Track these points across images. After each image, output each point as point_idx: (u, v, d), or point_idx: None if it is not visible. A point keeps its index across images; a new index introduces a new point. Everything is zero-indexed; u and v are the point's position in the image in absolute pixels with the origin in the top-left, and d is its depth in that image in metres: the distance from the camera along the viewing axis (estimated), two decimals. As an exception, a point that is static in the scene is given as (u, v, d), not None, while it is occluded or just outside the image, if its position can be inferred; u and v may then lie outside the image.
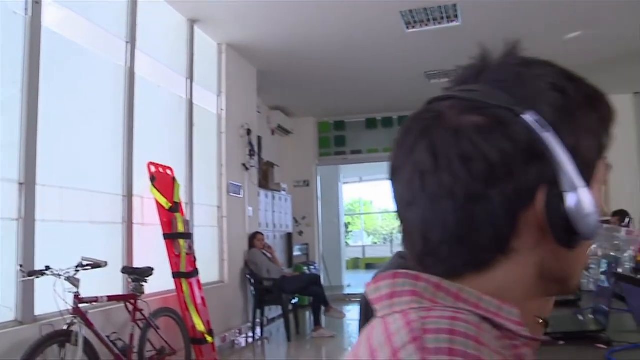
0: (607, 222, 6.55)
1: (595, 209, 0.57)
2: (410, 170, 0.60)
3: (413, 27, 6.18)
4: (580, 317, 2.27)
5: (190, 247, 4.98)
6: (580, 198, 0.56)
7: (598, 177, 0.62)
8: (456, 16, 5.95)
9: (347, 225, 12.37)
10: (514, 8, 5.84)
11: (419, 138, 0.60)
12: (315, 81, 8.06)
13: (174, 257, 4.76)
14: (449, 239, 0.59)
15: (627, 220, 6.88)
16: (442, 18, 5.99)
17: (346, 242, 11.99)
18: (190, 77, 5.83)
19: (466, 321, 0.50)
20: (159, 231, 4.73)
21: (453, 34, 6.35)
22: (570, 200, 0.56)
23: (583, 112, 0.60)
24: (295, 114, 9.88)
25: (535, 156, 0.57)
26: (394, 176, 0.64)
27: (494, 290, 0.58)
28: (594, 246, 3.74)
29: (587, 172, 0.59)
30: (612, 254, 3.54)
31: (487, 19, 5.97)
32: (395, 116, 9.80)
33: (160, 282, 4.70)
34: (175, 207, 4.91)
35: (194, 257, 5.02)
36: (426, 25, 6.14)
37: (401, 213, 0.63)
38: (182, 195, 5.25)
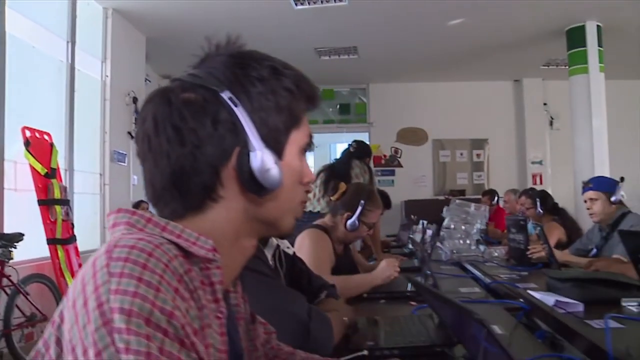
0: (478, 200, 7.08)
1: (274, 166, 0.78)
2: (142, 134, 0.79)
3: (302, 3, 6.32)
4: (420, 279, 2.56)
5: (68, 214, 4.91)
6: (262, 157, 0.77)
7: (296, 144, 0.84)
8: (343, -4, 6.14)
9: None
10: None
11: (148, 109, 0.79)
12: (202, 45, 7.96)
13: (49, 223, 4.68)
14: (167, 187, 0.78)
15: (496, 199, 7.42)
16: (329, -3, 6.17)
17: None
18: (72, 40, 5.66)
19: (149, 242, 0.67)
20: (35, 197, 4.64)
21: (340, 13, 6.55)
22: (253, 159, 0.77)
23: (271, 94, 0.80)
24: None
25: (230, 125, 0.77)
26: (135, 138, 0.82)
27: (210, 229, 0.77)
28: (447, 219, 4.09)
29: (275, 139, 0.80)
30: (462, 227, 3.90)
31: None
32: (288, 90, 9.93)
33: (37, 249, 4.63)
34: (52, 173, 4.81)
35: (72, 224, 4.96)
36: (314, 3, 6.30)
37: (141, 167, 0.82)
38: (60, 162, 5.15)
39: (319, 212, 3.91)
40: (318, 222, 2.74)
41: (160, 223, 0.74)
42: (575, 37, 7.21)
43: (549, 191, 5.84)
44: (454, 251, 3.88)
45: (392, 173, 9.91)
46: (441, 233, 3.94)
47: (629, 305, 1.96)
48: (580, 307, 1.91)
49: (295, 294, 1.56)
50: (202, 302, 0.70)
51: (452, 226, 3.93)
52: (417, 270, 3.06)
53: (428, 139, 9.94)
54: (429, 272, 2.50)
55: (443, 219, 4.02)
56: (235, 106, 0.77)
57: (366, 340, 1.57)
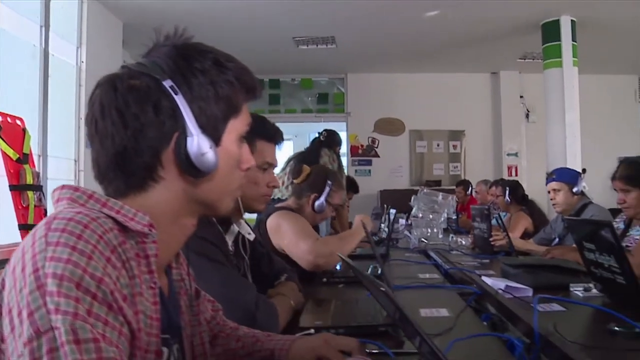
0: (452, 191, 7.17)
1: (210, 151, 0.84)
2: (90, 116, 0.85)
3: (280, -9, 6.33)
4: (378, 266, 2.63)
5: (40, 200, 4.90)
6: (198, 143, 0.83)
7: (235, 132, 0.90)
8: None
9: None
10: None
11: (97, 94, 0.85)
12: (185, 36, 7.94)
13: (21, 209, 4.67)
14: (111, 167, 0.84)
15: (470, 189, 7.52)
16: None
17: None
18: (46, 25, 5.62)
19: (87, 215, 0.73)
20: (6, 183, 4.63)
21: (318, 2, 6.57)
22: (190, 144, 0.83)
23: (211, 85, 0.86)
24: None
25: (170, 112, 0.83)
26: (85, 120, 0.87)
27: (150, 207, 0.84)
28: (415, 208, 4.16)
29: (213, 126, 0.86)
30: (430, 216, 3.97)
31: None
32: (266, 79, 9.94)
33: (9, 235, 4.62)
34: (25, 158, 4.79)
35: (44, 210, 4.95)
36: (293, -9, 6.31)
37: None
38: (34, 147, 5.13)
39: (287, 199, 3.95)
40: (281, 205, 2.77)
41: (101, 199, 0.80)
42: (550, 31, 7.30)
43: (524, 183, 5.94)
44: (422, 239, 3.96)
45: (369, 163, 9.96)
46: (409, 222, 4.01)
47: (575, 290, 2.04)
48: (529, 292, 1.98)
49: (246, 283, 1.60)
50: (134, 272, 0.77)
51: (420, 215, 4.01)
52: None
53: (405, 130, 10.00)
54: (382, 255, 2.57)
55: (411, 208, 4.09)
56: (176, 94, 0.83)
57: (315, 320, 1.63)
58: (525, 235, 4.41)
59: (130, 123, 0.82)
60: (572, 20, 7.19)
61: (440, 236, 3.95)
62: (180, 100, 0.83)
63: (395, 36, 7.90)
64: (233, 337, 1.19)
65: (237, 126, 0.91)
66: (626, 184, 2.74)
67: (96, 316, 0.68)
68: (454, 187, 8.00)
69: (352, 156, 9.99)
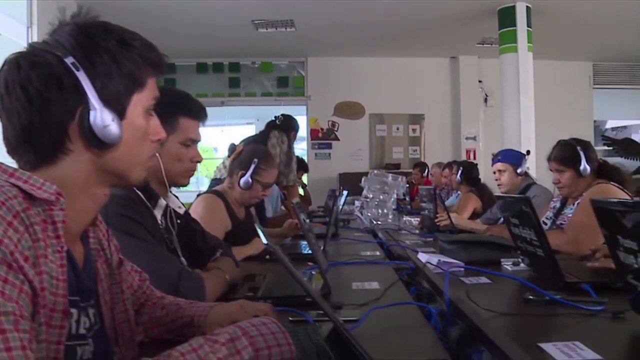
0: (406, 173, 7.27)
1: (112, 123, 0.90)
2: None
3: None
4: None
5: None
6: (100, 116, 0.88)
7: (140, 105, 0.96)
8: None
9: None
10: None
11: (2, 72, 0.89)
12: (143, 17, 7.77)
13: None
14: (20, 142, 0.89)
15: (426, 171, 7.63)
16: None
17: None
18: (-7, 3, 5.50)
19: None
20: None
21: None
22: (93, 117, 0.88)
23: (113, 61, 0.91)
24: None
25: (73, 88, 0.88)
26: None
27: (61, 177, 0.89)
28: (365, 189, 4.23)
29: (117, 100, 0.91)
30: (380, 197, 4.04)
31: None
32: (226, 62, 9.89)
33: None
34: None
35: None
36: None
37: None
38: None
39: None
40: (217, 187, 2.81)
41: (9, 170, 0.84)
42: (506, 17, 7.43)
43: (482, 166, 6.04)
44: (373, 220, 4.03)
45: (329, 146, 10.01)
46: (359, 202, 4.08)
47: (505, 265, 2.13)
48: (461, 267, 2.06)
49: (167, 256, 1.64)
50: (38, 235, 0.81)
51: (371, 196, 4.07)
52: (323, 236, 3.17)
53: (365, 113, 10.06)
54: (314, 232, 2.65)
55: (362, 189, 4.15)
56: (77, 71, 0.87)
57: (246, 292, 1.69)
58: (475, 216, 4.52)
59: (34, 99, 0.86)
60: (527, 6, 7.32)
61: (391, 217, 4.02)
62: (82, 76, 0.87)
63: (354, 20, 7.92)
64: (158, 305, 1.27)
65: (142, 100, 0.96)
66: (560, 164, 2.84)
67: None
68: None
69: (312, 139, 10.03)
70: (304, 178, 7.77)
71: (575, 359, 1.07)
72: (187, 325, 1.24)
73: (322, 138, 10.02)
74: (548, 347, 1.13)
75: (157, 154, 1.68)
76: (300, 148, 10.28)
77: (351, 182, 7.58)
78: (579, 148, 2.82)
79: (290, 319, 1.39)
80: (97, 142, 0.89)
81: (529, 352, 1.12)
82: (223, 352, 0.87)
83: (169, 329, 1.26)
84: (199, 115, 1.82)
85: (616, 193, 2.68)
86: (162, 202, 1.76)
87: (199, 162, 1.83)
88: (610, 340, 1.25)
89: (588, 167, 2.78)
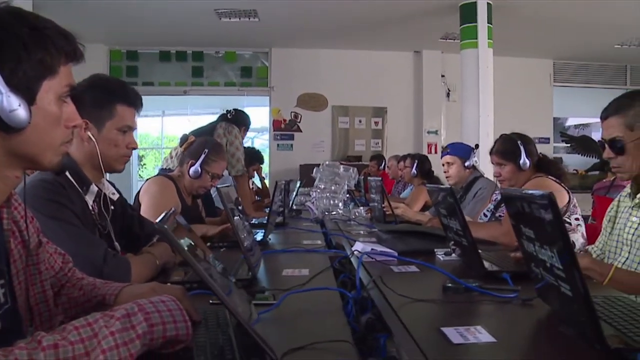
0: (366, 166, 7.32)
1: (19, 107, 0.92)
2: None
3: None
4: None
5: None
6: (6, 100, 0.91)
7: (53, 91, 0.99)
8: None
9: (140, 157, 12.32)
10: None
11: None
12: (107, 4, 7.61)
13: None
14: None
15: (383, 164, 7.70)
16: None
17: (139, 175, 11.93)
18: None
19: None
20: None
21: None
22: None
23: (23, 49, 0.93)
24: (85, 38, 9.34)
25: None
26: None
27: None
28: (317, 180, 4.25)
29: (26, 86, 0.94)
30: (332, 187, 4.07)
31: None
32: (190, 51, 9.81)
33: None
34: None
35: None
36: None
37: None
38: None
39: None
40: (168, 174, 2.85)
41: None
42: (467, 13, 7.52)
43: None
44: (325, 211, 4.05)
45: (291, 137, 10.02)
46: (312, 193, 4.10)
47: (438, 254, 2.17)
48: (394, 256, 2.09)
49: (93, 239, 1.67)
50: None
51: (322, 186, 4.09)
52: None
53: (328, 105, 10.10)
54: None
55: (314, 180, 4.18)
56: None
57: (175, 276, 1.71)
58: (427, 209, 4.58)
59: None
60: (488, 3, 7.42)
61: (341, 207, 4.05)
62: None
63: (318, 12, 7.93)
64: (77, 286, 1.28)
65: (54, 86, 0.98)
66: (501, 158, 2.91)
67: None
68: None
69: (274, 130, 10.02)
70: (265, 169, 7.77)
71: (470, 341, 1.11)
72: (100, 304, 1.26)
73: (285, 129, 10.02)
74: (449, 330, 1.17)
75: (94, 139, 1.71)
76: (263, 139, 10.28)
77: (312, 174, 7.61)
78: (519, 142, 2.88)
79: (211, 301, 1.41)
80: (3, 126, 0.92)
81: (429, 335, 1.16)
82: (117, 326, 0.88)
83: (85, 308, 1.26)
84: (135, 103, 1.87)
85: (552, 186, 2.75)
86: (94, 187, 1.77)
87: (135, 148, 1.89)
88: (513, 325, 1.30)
89: (528, 161, 2.85)
